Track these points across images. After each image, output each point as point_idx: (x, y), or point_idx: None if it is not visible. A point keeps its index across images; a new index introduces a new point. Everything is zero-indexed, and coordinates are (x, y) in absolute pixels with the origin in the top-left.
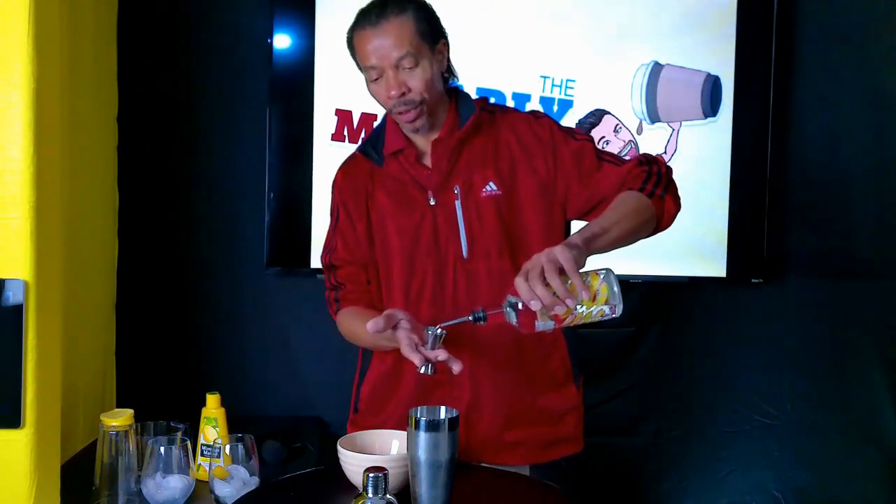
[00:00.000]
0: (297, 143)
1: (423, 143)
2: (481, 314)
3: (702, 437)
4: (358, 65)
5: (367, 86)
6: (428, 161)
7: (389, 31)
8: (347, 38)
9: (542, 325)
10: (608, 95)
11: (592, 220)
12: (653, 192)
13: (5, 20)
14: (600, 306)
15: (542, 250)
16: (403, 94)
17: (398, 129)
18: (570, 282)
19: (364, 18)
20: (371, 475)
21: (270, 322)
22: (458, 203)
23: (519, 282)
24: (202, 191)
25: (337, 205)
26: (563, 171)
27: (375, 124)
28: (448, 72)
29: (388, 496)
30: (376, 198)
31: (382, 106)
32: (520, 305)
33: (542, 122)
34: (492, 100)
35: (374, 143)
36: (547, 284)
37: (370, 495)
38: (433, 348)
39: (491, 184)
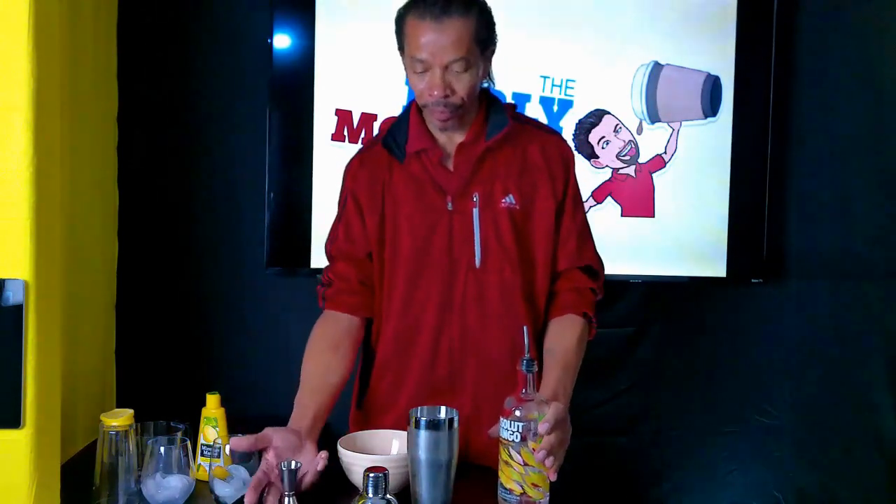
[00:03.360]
0: (297, 143)
1: (447, 142)
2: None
3: (702, 437)
4: (400, 46)
5: (406, 72)
6: (450, 164)
7: (450, 31)
8: (398, 16)
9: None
10: (608, 95)
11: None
12: (591, 318)
13: (5, 20)
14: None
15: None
16: (447, 96)
17: (423, 126)
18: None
19: (425, 7)
20: (371, 475)
21: (270, 322)
22: (475, 211)
23: (550, 444)
24: (202, 191)
25: (347, 193)
26: (566, 207)
27: (376, 125)
28: (487, 75)
29: (388, 496)
30: (393, 193)
31: (417, 98)
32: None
33: (568, 150)
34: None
35: (395, 137)
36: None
37: (370, 495)
38: (290, 487)
39: (510, 196)
